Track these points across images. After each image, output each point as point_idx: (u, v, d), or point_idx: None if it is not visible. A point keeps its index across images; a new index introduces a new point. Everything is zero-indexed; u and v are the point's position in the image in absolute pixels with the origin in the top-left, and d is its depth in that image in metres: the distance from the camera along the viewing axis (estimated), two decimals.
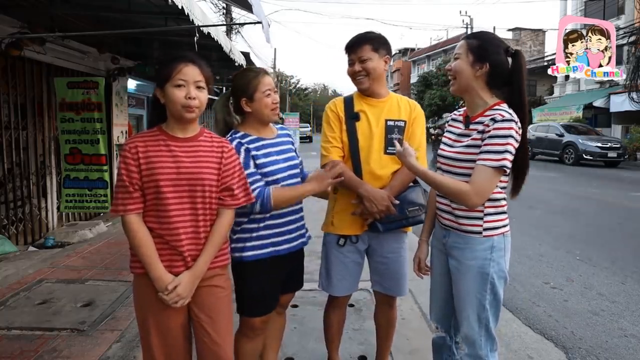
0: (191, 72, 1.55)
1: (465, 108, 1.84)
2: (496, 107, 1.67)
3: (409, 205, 1.99)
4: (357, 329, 2.88)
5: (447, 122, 1.92)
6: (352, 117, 2.05)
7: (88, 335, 2.75)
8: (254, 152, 1.84)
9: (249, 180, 1.77)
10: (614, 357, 2.73)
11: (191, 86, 1.55)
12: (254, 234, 1.86)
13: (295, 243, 1.96)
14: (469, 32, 29.34)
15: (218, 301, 1.66)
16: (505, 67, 1.69)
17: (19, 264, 4.04)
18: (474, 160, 1.64)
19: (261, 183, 1.80)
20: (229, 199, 1.66)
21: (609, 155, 14.97)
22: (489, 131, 1.60)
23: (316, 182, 1.88)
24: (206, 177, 1.59)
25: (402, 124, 2.06)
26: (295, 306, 3.17)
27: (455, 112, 1.93)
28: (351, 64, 2.04)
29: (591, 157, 14.90)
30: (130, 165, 1.54)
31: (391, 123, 2.04)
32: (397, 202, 1.96)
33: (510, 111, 1.63)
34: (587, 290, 3.83)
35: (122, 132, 6.30)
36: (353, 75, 2.04)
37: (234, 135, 1.87)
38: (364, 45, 2.00)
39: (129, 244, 1.58)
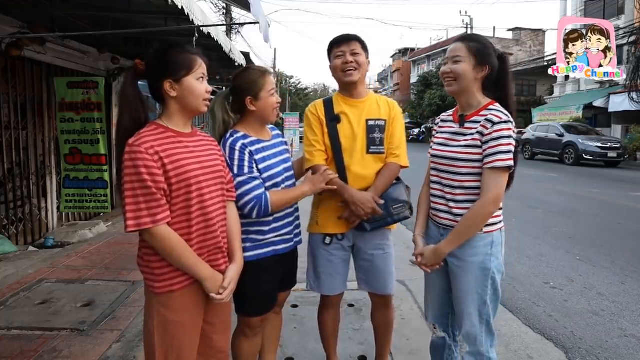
0: (205, 67, 1.56)
1: (454, 109, 1.85)
2: (490, 106, 1.70)
3: (393, 203, 2.00)
4: (357, 329, 2.89)
5: (437, 124, 1.94)
6: (333, 119, 2.05)
7: (88, 335, 2.75)
8: (254, 156, 1.83)
9: (252, 184, 1.76)
10: (614, 357, 2.73)
11: (206, 80, 1.56)
12: (259, 237, 1.86)
13: (291, 243, 1.97)
14: (469, 32, 29.35)
15: (218, 306, 1.63)
16: (496, 70, 1.73)
17: (19, 264, 4.05)
18: (474, 160, 1.67)
19: (262, 190, 1.78)
20: (234, 192, 1.71)
21: (609, 155, 14.96)
22: (490, 133, 1.62)
23: (312, 183, 1.89)
24: (222, 169, 1.62)
25: (382, 123, 2.07)
26: (295, 306, 3.17)
27: (443, 114, 1.95)
28: (340, 56, 2.03)
29: (591, 157, 14.89)
30: (153, 168, 1.37)
31: (372, 123, 2.05)
32: (382, 202, 1.96)
33: (505, 111, 1.66)
34: (587, 290, 3.83)
35: None
36: (344, 66, 2.01)
37: (235, 136, 1.84)
38: (355, 41, 2.04)
39: (145, 261, 1.45)
